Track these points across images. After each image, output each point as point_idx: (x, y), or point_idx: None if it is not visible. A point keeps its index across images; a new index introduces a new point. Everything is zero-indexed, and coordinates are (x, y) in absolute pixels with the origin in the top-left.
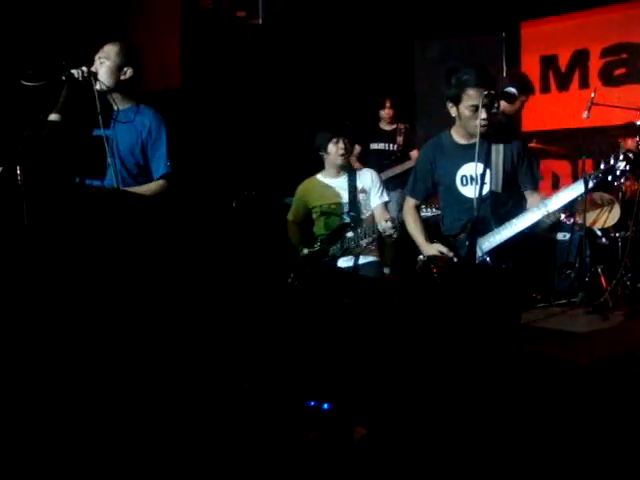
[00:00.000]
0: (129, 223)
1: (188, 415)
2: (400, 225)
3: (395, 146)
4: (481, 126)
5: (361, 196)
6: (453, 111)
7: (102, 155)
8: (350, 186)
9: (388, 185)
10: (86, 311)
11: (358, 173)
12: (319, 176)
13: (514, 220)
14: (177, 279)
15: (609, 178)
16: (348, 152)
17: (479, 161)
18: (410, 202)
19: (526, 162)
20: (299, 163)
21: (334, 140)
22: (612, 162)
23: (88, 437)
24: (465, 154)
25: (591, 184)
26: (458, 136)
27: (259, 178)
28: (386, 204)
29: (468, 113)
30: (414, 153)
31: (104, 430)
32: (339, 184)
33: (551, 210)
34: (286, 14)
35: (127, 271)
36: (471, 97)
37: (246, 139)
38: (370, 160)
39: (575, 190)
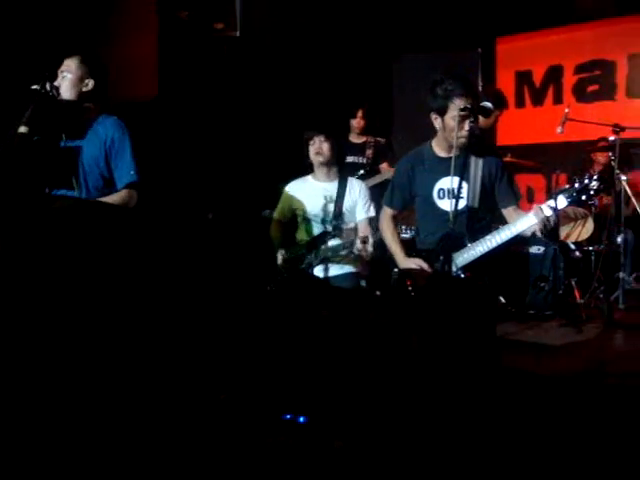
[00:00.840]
0: (95, 235)
1: (162, 427)
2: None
3: (364, 159)
4: (463, 137)
5: (348, 206)
6: (437, 122)
7: (69, 166)
8: (339, 194)
9: None
10: (50, 321)
11: (350, 181)
12: (310, 177)
13: (488, 236)
14: (150, 290)
15: (583, 197)
16: (325, 151)
17: (456, 175)
18: (388, 212)
19: (505, 179)
20: (277, 174)
21: (310, 142)
22: (586, 181)
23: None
24: (444, 167)
25: (566, 203)
26: (439, 149)
27: (236, 189)
28: (371, 220)
29: (453, 123)
30: (384, 166)
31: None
32: (328, 189)
33: (524, 229)
34: (264, 26)
35: (96, 282)
36: (458, 106)
37: (223, 150)
38: None
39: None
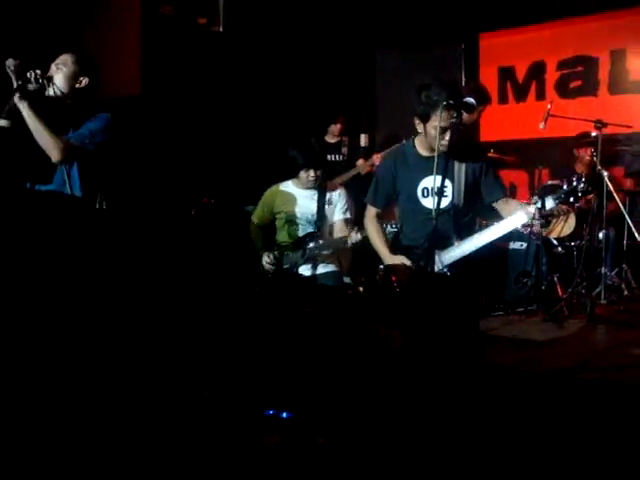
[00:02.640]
0: (81, 231)
1: (145, 424)
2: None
3: (340, 156)
4: (443, 146)
5: (327, 208)
6: (420, 127)
7: (49, 161)
8: (319, 196)
9: None
10: (32, 318)
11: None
12: (290, 182)
13: (476, 235)
14: (133, 287)
15: (570, 199)
16: (318, 179)
17: (440, 174)
18: (371, 211)
19: (491, 173)
20: (259, 170)
21: (305, 169)
22: (574, 184)
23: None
24: (427, 166)
25: (553, 205)
26: (421, 147)
27: (219, 186)
28: (347, 220)
29: (434, 132)
30: (360, 161)
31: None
32: (308, 194)
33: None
34: (247, 22)
35: (79, 279)
36: (440, 118)
37: (206, 146)
38: None
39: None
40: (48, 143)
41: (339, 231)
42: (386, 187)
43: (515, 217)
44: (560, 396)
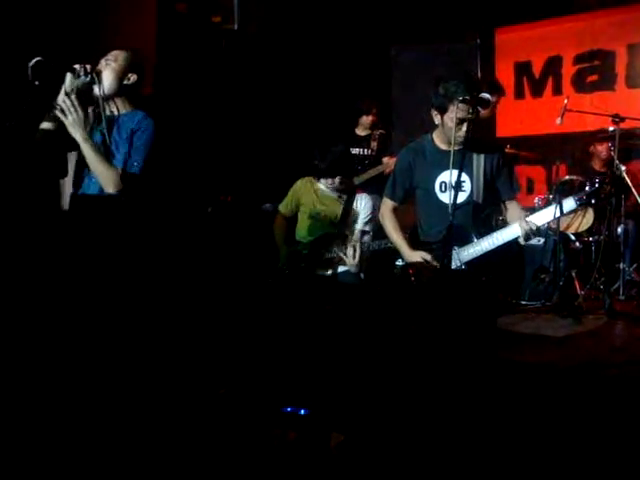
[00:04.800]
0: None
1: (161, 422)
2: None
3: (369, 151)
4: (461, 137)
5: (353, 215)
6: (437, 119)
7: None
8: (347, 200)
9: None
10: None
11: (358, 195)
12: (320, 181)
13: (495, 233)
14: (152, 285)
15: (592, 201)
16: (337, 185)
17: (458, 168)
18: (388, 204)
19: (505, 171)
20: (276, 168)
21: (324, 175)
22: (597, 185)
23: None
24: (445, 160)
25: (574, 206)
26: (440, 141)
27: (235, 184)
28: (364, 234)
29: (451, 124)
30: (386, 159)
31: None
32: (336, 195)
33: (534, 227)
34: (262, 19)
35: (104, 278)
36: (457, 110)
37: (222, 144)
38: None
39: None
40: (103, 176)
41: (354, 241)
42: (404, 181)
43: (509, 229)
44: (578, 392)
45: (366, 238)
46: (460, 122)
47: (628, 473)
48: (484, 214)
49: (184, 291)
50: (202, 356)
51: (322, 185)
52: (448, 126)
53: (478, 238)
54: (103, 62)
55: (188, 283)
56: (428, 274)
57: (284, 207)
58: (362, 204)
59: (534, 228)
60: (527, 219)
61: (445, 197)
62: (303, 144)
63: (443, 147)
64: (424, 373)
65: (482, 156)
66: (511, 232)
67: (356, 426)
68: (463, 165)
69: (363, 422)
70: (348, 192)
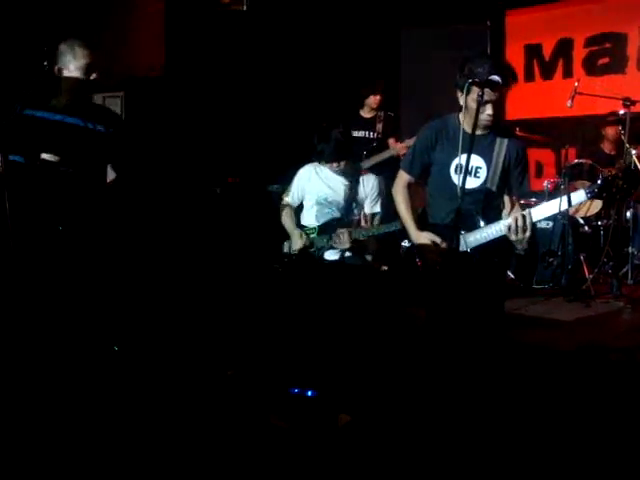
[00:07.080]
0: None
1: (170, 404)
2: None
3: (374, 134)
4: (486, 121)
5: (359, 198)
6: (461, 100)
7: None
8: (353, 183)
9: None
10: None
11: (363, 177)
12: (325, 165)
13: (503, 221)
14: (160, 266)
15: (603, 194)
16: (341, 169)
17: (478, 154)
18: (404, 178)
19: (521, 167)
20: (284, 150)
21: (327, 160)
22: (609, 179)
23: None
24: (466, 143)
25: (584, 198)
26: (466, 123)
27: (243, 165)
28: (374, 216)
29: (474, 105)
30: (392, 142)
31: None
32: (341, 179)
33: (534, 220)
34: (270, 0)
35: (110, 260)
36: (480, 91)
37: (230, 126)
38: None
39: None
40: None
41: (364, 225)
42: (423, 155)
43: (499, 225)
44: (586, 376)
45: (377, 219)
46: (484, 104)
47: (631, 456)
48: (498, 202)
49: (193, 273)
50: (210, 338)
51: (328, 169)
52: (472, 107)
53: (485, 224)
54: None
55: (196, 264)
56: (434, 257)
57: (290, 198)
58: (369, 186)
59: (521, 225)
60: (529, 210)
61: (458, 180)
62: (310, 126)
63: (468, 129)
64: (431, 354)
65: (505, 145)
66: (497, 228)
67: (363, 407)
68: (483, 151)
69: (370, 403)
70: (354, 175)
